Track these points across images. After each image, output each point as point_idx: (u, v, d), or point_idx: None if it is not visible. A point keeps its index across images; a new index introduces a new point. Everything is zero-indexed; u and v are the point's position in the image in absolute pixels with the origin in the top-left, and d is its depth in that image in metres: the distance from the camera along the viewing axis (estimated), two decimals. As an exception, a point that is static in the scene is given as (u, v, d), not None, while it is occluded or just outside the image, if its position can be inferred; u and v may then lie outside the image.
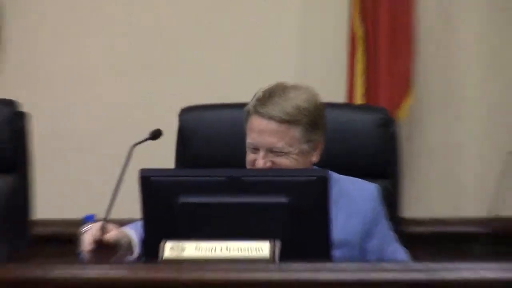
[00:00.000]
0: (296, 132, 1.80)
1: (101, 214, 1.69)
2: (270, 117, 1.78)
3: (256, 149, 1.81)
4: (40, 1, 3.39)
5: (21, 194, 2.15)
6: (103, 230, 1.62)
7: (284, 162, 1.79)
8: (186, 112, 2.18)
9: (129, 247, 1.67)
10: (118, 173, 1.67)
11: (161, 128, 1.87)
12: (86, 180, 3.04)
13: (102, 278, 1.39)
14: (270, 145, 1.79)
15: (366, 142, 2.09)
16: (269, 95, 1.80)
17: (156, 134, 1.87)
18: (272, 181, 1.67)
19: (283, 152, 1.79)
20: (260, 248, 1.53)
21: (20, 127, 2.19)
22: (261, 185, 1.65)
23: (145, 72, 3.32)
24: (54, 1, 3.39)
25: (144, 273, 1.40)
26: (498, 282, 1.40)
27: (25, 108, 2.26)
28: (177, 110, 2.17)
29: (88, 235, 1.62)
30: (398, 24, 2.76)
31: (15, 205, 2.14)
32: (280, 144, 1.79)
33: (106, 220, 1.65)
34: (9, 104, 2.18)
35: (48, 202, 2.59)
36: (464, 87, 3.09)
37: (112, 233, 1.63)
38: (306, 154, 1.82)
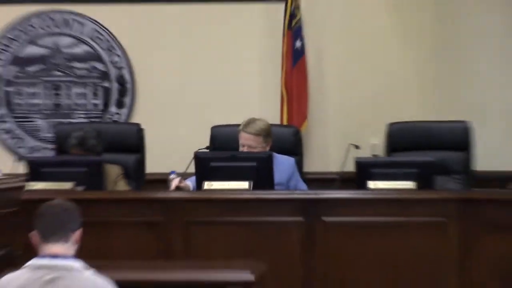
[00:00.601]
0: (260, 139, 3.99)
1: (180, 170, 3.93)
2: (249, 133, 3.98)
3: (243, 146, 4.01)
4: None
5: (141, 163, 4.50)
6: (179, 180, 3.82)
7: (258, 148, 4.00)
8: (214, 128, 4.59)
9: (188, 189, 3.87)
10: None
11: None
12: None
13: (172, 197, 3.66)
14: (249, 145, 3.98)
15: (288, 141, 4.41)
16: (247, 123, 4.01)
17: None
18: (251, 157, 3.85)
19: (255, 147, 3.97)
20: (244, 185, 3.70)
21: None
22: (246, 158, 3.84)
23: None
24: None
25: (195, 194, 3.65)
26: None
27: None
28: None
29: (173, 182, 3.82)
30: (300, 83, 5.19)
31: (138, 168, 4.49)
32: (254, 144, 3.97)
33: (180, 175, 3.86)
34: (137, 125, 4.69)
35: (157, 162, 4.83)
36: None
37: (182, 183, 3.83)
38: (264, 148, 4.00)
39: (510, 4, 5.58)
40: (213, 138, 4.50)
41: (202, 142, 4.37)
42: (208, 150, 4.23)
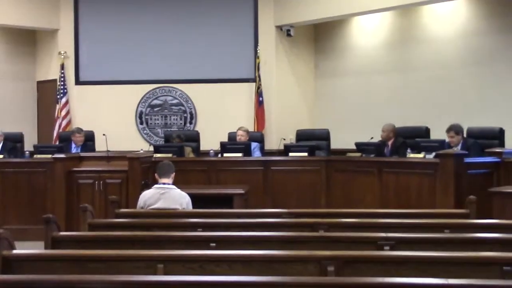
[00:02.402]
0: (246, 133, 9.55)
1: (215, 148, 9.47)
2: (242, 130, 9.52)
3: (239, 136, 9.53)
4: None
5: (198, 147, 10.06)
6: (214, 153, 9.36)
7: (245, 139, 9.47)
8: (230, 133, 10.14)
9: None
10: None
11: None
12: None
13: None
14: (242, 137, 9.49)
15: (258, 137, 9.94)
16: (241, 127, 9.58)
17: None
18: (242, 143, 9.32)
19: (244, 137, 9.49)
20: (240, 155, 9.17)
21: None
22: (240, 143, 9.33)
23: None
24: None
25: (220, 158, 9.20)
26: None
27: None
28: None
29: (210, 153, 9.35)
30: (261, 114, 10.92)
31: (197, 148, 10.05)
32: (244, 136, 9.49)
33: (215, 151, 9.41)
34: (197, 131, 10.26)
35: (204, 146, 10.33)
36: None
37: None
38: (246, 138, 9.50)
39: None
40: (229, 137, 9.97)
41: (222, 138, 9.86)
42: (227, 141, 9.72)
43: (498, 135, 8.43)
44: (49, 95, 11.87)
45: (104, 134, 9.18)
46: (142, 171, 8.25)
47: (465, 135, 8.29)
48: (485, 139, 8.36)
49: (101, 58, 11.69)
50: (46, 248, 4.50)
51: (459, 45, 9.97)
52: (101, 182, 8.51)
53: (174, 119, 11.53)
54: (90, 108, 11.61)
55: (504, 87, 9.42)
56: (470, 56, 9.87)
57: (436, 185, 7.29)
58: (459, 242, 4.40)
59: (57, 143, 10.71)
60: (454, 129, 8.12)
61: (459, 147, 8.05)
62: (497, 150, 7.69)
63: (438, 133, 8.81)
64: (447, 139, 8.12)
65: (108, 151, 8.95)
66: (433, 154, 7.57)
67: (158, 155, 8.85)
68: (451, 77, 10.07)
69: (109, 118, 11.39)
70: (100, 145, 9.81)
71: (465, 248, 4.22)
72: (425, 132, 9.11)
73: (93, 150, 10.05)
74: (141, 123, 11.57)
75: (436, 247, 4.26)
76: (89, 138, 10.24)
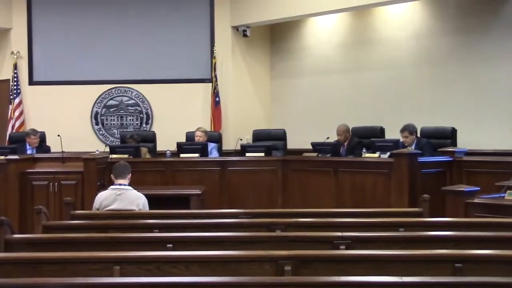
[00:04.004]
0: (203, 133, 9.49)
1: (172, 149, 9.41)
2: (200, 131, 9.48)
3: (197, 137, 9.48)
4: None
5: (154, 147, 9.97)
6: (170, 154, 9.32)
7: (202, 140, 9.43)
8: (188, 133, 10.07)
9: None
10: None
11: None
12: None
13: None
14: (199, 137, 9.45)
15: (216, 137, 9.95)
16: (199, 127, 9.53)
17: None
18: (199, 143, 9.29)
19: (202, 138, 9.43)
20: (197, 155, 9.15)
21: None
22: (198, 144, 9.30)
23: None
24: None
25: (174, 158, 9.15)
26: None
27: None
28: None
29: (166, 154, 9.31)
30: (217, 114, 10.91)
31: (154, 149, 9.95)
32: (201, 136, 9.44)
33: (171, 152, 9.36)
34: (153, 131, 10.12)
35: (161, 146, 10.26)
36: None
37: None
38: (204, 139, 9.44)
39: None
40: (188, 137, 9.94)
41: (179, 139, 9.80)
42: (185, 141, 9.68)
43: (450, 135, 8.61)
44: (1, 95, 11.64)
45: (59, 135, 9.06)
46: (98, 172, 8.19)
47: (418, 135, 8.43)
48: (438, 138, 8.54)
49: (56, 58, 11.53)
50: (-1, 251, 4.42)
51: (412, 46, 10.13)
52: (56, 183, 8.40)
53: (130, 119, 11.44)
54: (44, 108, 11.44)
55: (456, 87, 9.60)
56: (423, 57, 10.03)
57: (390, 184, 7.40)
58: (413, 240, 4.46)
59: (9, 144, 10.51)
60: (408, 129, 8.25)
61: (413, 146, 8.18)
62: (450, 149, 7.85)
63: (392, 133, 8.93)
64: (401, 139, 8.24)
65: (63, 152, 8.83)
66: (388, 153, 7.68)
67: (114, 156, 8.81)
68: (404, 78, 10.22)
69: (64, 119, 11.25)
70: (55, 146, 9.67)
71: (419, 246, 4.29)
72: (380, 132, 9.24)
73: (49, 151, 9.91)
74: (97, 123, 11.45)
75: (391, 246, 4.31)
76: (41, 139, 10.07)
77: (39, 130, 9.99)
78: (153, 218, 5.68)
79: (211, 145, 9.34)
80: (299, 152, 9.35)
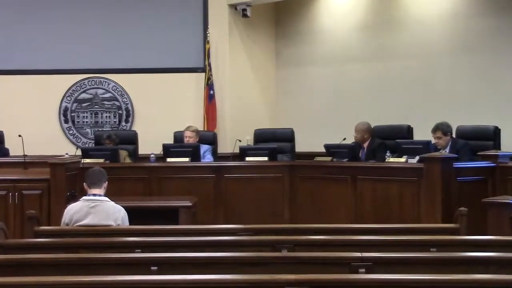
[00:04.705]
0: (194, 134, 9.45)
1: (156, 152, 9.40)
2: (189, 131, 9.44)
3: (186, 138, 9.44)
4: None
5: (136, 149, 9.94)
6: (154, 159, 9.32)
7: (193, 141, 9.41)
8: (176, 133, 10.13)
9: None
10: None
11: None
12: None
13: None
14: (190, 138, 9.42)
15: (210, 137, 9.95)
16: (188, 126, 9.51)
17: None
18: (189, 145, 9.28)
19: (193, 139, 9.40)
20: (187, 159, 9.14)
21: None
22: (188, 146, 9.30)
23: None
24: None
25: (162, 163, 9.14)
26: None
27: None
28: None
29: (150, 159, 9.32)
30: (212, 111, 10.89)
31: (134, 152, 9.94)
32: (192, 137, 9.40)
33: (156, 156, 9.35)
34: (134, 131, 10.12)
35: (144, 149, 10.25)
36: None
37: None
38: (195, 140, 9.40)
39: None
40: (175, 138, 9.92)
41: (166, 140, 9.78)
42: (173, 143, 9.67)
43: (492, 136, 8.53)
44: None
45: (20, 135, 9.03)
46: (68, 180, 8.12)
47: (454, 136, 8.37)
48: (477, 140, 8.46)
49: (15, 43, 11.53)
50: None
51: (447, 28, 10.09)
52: (17, 193, 8.33)
53: (106, 116, 11.44)
54: (1, 103, 11.40)
55: (501, 78, 9.55)
56: (460, 42, 9.99)
57: (420, 195, 7.36)
58: (448, 262, 4.44)
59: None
60: (441, 129, 8.19)
61: (447, 149, 8.13)
62: (492, 153, 7.78)
63: (422, 134, 8.91)
64: (433, 140, 8.18)
65: (25, 155, 8.80)
66: (417, 158, 7.63)
67: (88, 160, 8.79)
68: (438, 68, 10.18)
69: (26, 116, 11.24)
70: (15, 149, 9.62)
71: (455, 270, 4.26)
72: (407, 132, 9.19)
73: (8, 155, 9.87)
74: (66, 121, 11.45)
75: (420, 269, 4.28)
76: (-1, 140, 10.08)
77: (-5, 128, 9.99)
78: (135, 235, 5.66)
79: (203, 148, 9.33)
80: (310, 156, 9.34)
